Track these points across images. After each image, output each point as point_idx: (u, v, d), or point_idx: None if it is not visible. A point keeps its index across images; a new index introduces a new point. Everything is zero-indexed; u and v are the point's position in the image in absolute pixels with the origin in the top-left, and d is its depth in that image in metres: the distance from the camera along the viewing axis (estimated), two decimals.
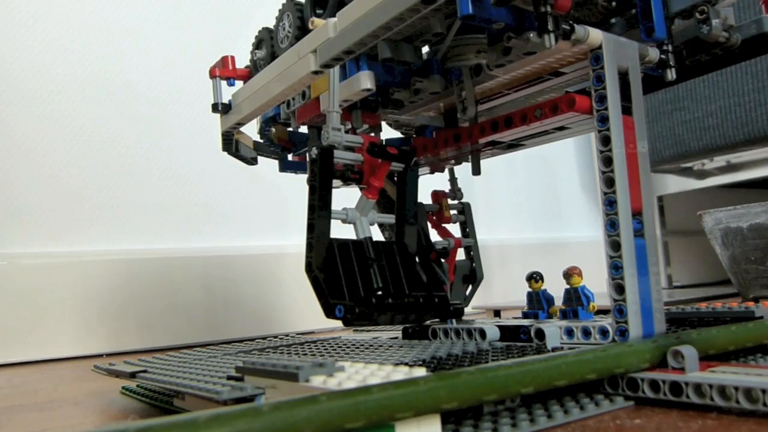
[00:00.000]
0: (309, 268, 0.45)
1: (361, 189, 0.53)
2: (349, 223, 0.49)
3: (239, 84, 0.57)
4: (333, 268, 0.45)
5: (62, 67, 0.93)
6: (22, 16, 0.90)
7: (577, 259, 0.71)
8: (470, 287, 0.64)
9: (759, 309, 0.46)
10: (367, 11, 0.37)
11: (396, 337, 0.58)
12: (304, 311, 1.04)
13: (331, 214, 0.47)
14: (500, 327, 0.47)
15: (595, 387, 0.35)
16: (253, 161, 0.67)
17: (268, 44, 0.55)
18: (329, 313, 0.44)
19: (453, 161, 0.62)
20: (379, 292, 0.46)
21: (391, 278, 0.48)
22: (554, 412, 0.31)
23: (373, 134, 0.60)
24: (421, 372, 0.28)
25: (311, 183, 0.47)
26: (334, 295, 0.44)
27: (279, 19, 0.54)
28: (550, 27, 0.36)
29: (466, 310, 0.62)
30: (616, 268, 0.38)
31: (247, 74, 0.58)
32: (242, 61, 0.59)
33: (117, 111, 0.96)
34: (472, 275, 0.64)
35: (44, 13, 0.92)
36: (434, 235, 0.61)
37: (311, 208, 0.46)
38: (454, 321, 0.52)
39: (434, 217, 0.63)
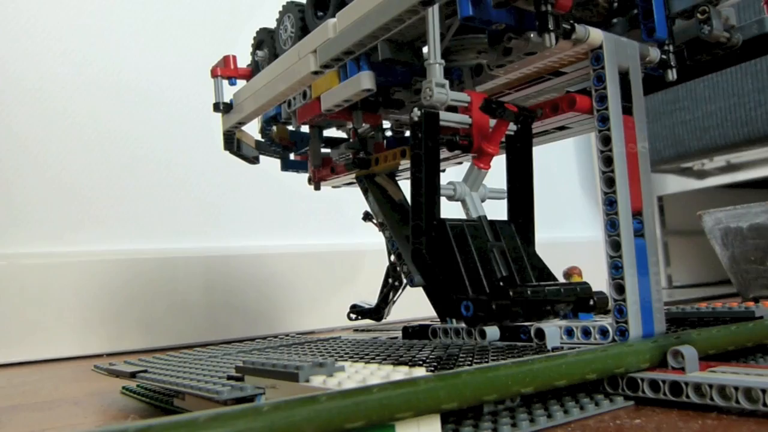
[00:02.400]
0: (418, 256, 0.37)
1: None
2: (458, 200, 0.42)
3: (240, 83, 0.57)
4: (448, 256, 0.37)
5: (63, 66, 0.93)
6: (23, 15, 0.90)
7: (577, 259, 0.71)
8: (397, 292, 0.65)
9: (759, 309, 0.46)
10: (366, 12, 0.37)
11: (396, 337, 0.58)
12: (304, 311, 1.04)
13: (439, 190, 0.39)
14: (500, 327, 0.47)
15: (595, 387, 0.35)
16: (254, 160, 0.67)
17: (269, 45, 0.55)
18: (451, 311, 0.36)
19: (453, 160, 0.62)
20: (503, 283, 0.38)
21: (515, 265, 0.39)
22: (554, 412, 0.31)
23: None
24: (421, 372, 0.28)
25: (415, 152, 0.38)
26: (453, 289, 0.36)
27: (280, 20, 0.54)
28: (551, 26, 0.36)
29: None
30: (616, 268, 0.38)
31: (249, 74, 0.58)
32: (243, 61, 0.59)
33: (117, 111, 0.96)
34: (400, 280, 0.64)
35: (45, 12, 0.92)
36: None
37: (416, 183, 0.38)
38: (454, 321, 0.51)
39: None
